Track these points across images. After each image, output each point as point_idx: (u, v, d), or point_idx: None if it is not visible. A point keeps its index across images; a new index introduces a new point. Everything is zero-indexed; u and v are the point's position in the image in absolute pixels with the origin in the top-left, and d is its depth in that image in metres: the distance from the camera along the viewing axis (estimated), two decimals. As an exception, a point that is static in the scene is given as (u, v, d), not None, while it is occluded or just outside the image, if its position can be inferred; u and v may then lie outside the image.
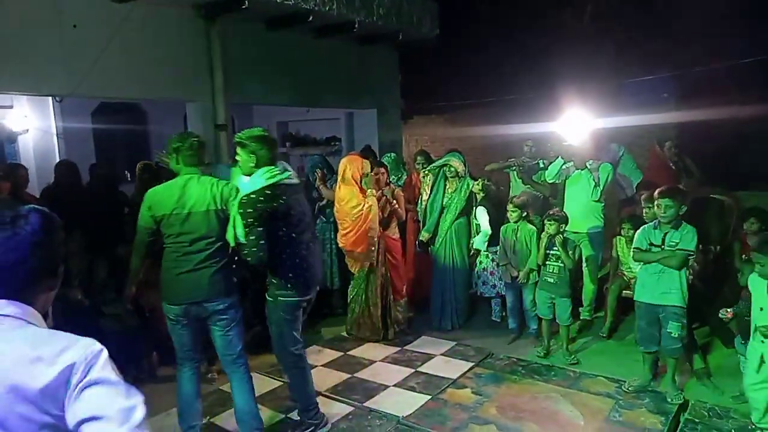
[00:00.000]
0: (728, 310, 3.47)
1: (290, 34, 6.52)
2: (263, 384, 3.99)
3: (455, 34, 9.05)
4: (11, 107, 7.06)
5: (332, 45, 7.15)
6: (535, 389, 3.95)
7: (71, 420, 1.06)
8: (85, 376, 1.07)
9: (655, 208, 3.64)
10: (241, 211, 2.86)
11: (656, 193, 3.65)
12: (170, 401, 3.33)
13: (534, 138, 6.35)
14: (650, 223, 3.77)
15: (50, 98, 6.88)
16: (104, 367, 1.10)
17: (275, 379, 4.12)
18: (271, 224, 2.96)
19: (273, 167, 3.00)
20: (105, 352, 1.12)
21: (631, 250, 3.88)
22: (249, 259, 2.90)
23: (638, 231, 3.82)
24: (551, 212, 4.55)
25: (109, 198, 5.27)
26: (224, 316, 3.06)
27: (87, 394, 1.07)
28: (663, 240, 3.61)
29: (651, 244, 3.68)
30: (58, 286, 1.25)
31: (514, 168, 6.10)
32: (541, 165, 5.81)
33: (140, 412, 1.10)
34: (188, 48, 5.62)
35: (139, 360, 4.20)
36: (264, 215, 2.89)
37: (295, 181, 3.20)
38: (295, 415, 3.53)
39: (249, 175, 3.03)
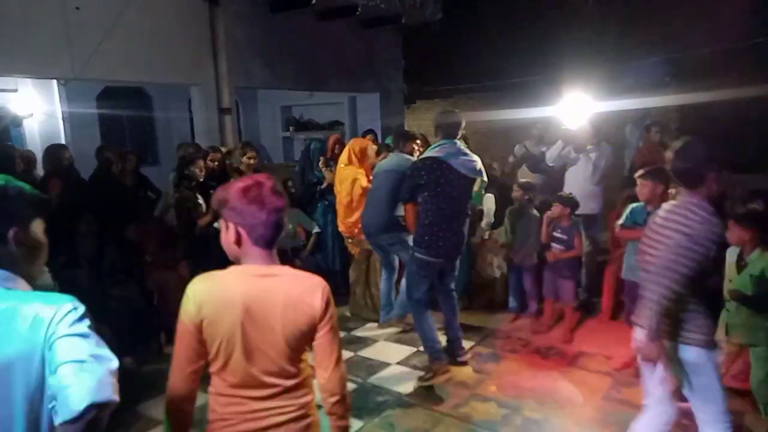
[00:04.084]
0: None
1: (294, 18, 6.54)
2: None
3: (458, 18, 9.02)
4: (16, 90, 7.09)
5: (336, 28, 7.15)
6: (535, 367, 4.03)
7: (50, 373, 1.17)
8: (56, 331, 1.18)
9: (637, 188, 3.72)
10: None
11: (636, 174, 3.72)
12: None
13: (542, 122, 6.36)
14: (641, 202, 3.83)
15: (54, 82, 6.92)
16: (76, 323, 1.20)
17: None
18: (420, 190, 3.59)
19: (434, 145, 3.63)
20: (79, 310, 1.23)
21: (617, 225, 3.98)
22: None
23: (627, 209, 3.91)
24: (561, 194, 4.58)
25: (115, 181, 5.32)
26: None
27: (59, 344, 1.17)
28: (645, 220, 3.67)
29: (635, 223, 3.75)
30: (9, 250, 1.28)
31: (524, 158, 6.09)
32: (544, 149, 5.83)
33: (113, 361, 1.19)
34: (192, 32, 5.65)
35: (147, 341, 4.29)
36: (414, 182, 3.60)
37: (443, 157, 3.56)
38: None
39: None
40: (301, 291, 1.59)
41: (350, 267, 5.21)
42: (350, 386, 3.78)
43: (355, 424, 3.32)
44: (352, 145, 4.90)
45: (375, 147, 4.94)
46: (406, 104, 9.77)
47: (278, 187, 1.63)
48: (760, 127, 7.26)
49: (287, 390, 1.61)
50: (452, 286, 3.90)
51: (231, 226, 1.59)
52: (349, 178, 4.73)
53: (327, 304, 1.61)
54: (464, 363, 3.86)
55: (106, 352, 1.20)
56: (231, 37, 5.88)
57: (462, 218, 3.69)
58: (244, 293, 1.56)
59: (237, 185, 1.60)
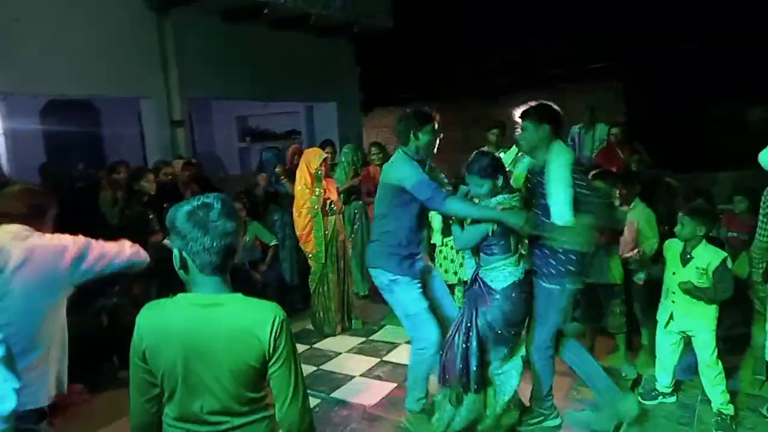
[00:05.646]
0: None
1: (247, 27, 6.46)
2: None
3: (412, 26, 9.10)
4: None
5: (290, 38, 7.10)
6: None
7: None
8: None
9: None
10: None
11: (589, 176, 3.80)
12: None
13: (498, 127, 6.41)
14: None
15: (-7, 96, 6.61)
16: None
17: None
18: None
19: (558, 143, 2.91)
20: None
21: None
22: None
23: None
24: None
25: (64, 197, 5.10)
26: None
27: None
28: None
29: None
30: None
31: None
32: (503, 155, 5.88)
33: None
34: (140, 42, 5.50)
35: (98, 365, 4.11)
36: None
37: None
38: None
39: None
40: (249, 323, 1.48)
41: (309, 280, 5.14)
42: (313, 402, 3.73)
43: (320, 440, 3.26)
44: (307, 161, 4.81)
45: (322, 156, 4.82)
46: (364, 112, 9.78)
47: (230, 208, 1.50)
48: (701, 129, 7.58)
49: (234, 428, 1.51)
50: None
51: (176, 251, 1.50)
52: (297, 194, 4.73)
53: (279, 336, 1.48)
54: None
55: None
56: (182, 47, 5.74)
57: None
58: (186, 325, 1.48)
59: (183, 207, 1.49)
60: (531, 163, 3.04)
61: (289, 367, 1.50)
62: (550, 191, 2.77)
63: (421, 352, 3.09)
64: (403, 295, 3.07)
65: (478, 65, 9.09)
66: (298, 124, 9.02)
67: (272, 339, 1.47)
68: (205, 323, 1.47)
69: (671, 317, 3.30)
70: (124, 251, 2.28)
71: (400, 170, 2.93)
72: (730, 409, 3.15)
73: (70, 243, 2.13)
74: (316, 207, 4.70)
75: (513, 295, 2.84)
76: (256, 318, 1.49)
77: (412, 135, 2.97)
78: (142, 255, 2.36)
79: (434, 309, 3.14)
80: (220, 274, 1.51)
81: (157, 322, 1.51)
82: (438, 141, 3.08)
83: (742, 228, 3.89)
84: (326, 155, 4.89)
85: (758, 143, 2.96)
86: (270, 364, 1.49)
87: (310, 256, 4.82)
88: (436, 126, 3.02)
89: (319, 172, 4.70)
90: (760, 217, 3.10)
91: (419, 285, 3.10)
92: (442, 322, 3.13)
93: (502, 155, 5.80)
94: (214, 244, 1.45)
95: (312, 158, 4.78)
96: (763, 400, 3.38)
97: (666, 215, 4.24)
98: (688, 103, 7.05)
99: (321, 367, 4.30)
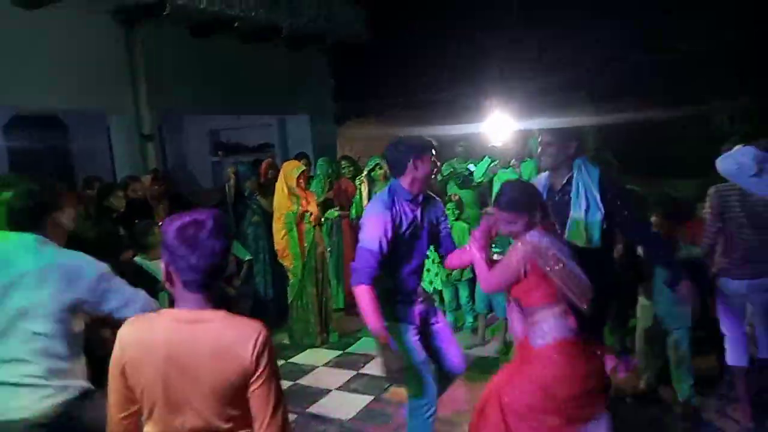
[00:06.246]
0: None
1: (218, 40, 6.43)
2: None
3: (387, 36, 9.17)
4: None
5: (261, 50, 7.10)
6: (472, 382, 4.06)
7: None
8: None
9: None
10: None
11: None
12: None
13: (467, 138, 6.48)
14: None
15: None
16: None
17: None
18: None
19: None
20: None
21: None
22: None
23: None
24: (487, 210, 4.69)
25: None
26: None
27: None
28: None
29: None
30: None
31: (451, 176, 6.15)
32: (471, 169, 5.93)
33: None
34: (108, 57, 5.44)
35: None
36: None
37: None
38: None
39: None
40: (231, 340, 1.46)
41: (287, 293, 5.12)
42: (290, 418, 3.69)
43: (296, 456, 3.24)
44: (285, 174, 4.84)
45: (300, 169, 4.85)
46: (338, 123, 9.80)
47: (222, 227, 1.49)
48: (671, 134, 7.79)
49: None
50: None
51: (163, 265, 1.49)
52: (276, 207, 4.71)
53: (261, 354, 1.45)
54: None
55: None
56: (151, 62, 5.69)
57: None
58: (168, 340, 1.46)
59: (175, 222, 1.48)
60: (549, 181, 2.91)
61: (269, 385, 1.48)
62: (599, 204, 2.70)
63: (419, 412, 2.67)
64: (398, 344, 2.62)
65: (451, 77, 9.20)
66: (272, 137, 8.99)
67: (254, 357, 1.45)
68: (188, 339, 1.46)
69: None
70: (137, 302, 2.03)
71: (366, 225, 2.61)
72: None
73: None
74: (291, 222, 4.70)
75: None
76: (238, 335, 1.47)
77: (411, 165, 2.59)
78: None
79: (438, 359, 2.80)
80: (205, 291, 1.50)
81: (140, 336, 1.49)
82: (435, 173, 2.77)
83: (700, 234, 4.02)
84: (304, 168, 4.91)
85: (718, 150, 3.06)
86: (251, 381, 1.47)
87: (288, 269, 4.81)
88: (435, 155, 2.67)
89: (294, 188, 4.71)
90: (704, 216, 3.25)
91: (417, 332, 2.70)
92: (445, 372, 2.81)
93: (472, 167, 5.91)
94: (201, 262, 1.44)
95: (290, 171, 4.80)
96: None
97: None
98: (650, 110, 7.25)
99: (298, 381, 4.27)
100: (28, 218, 1.98)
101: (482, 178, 5.46)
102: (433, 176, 2.72)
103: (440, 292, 5.25)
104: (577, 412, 2.22)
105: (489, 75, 8.22)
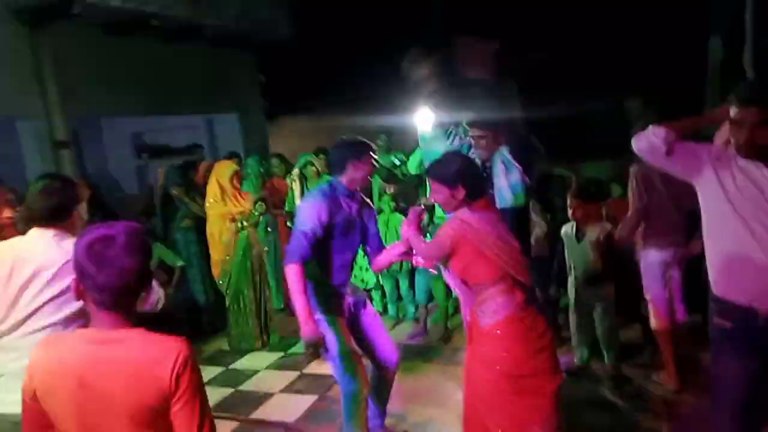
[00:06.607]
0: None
1: (136, 40, 6.12)
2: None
3: (315, 32, 9.05)
4: None
5: (183, 49, 6.83)
6: (416, 371, 4.12)
7: None
8: None
9: None
10: None
11: None
12: None
13: (388, 132, 6.50)
14: None
15: None
16: None
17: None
18: None
19: None
20: None
21: None
22: None
23: None
24: (423, 202, 4.74)
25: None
26: None
27: None
28: None
29: None
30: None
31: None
32: (396, 161, 5.94)
33: None
34: (11, 59, 5.05)
35: None
36: None
37: None
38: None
39: None
40: (148, 360, 1.37)
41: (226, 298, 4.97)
42: (232, 426, 3.61)
43: (241, 463, 3.16)
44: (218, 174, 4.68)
45: (233, 169, 4.74)
46: (270, 121, 9.59)
47: (137, 242, 1.38)
48: (595, 118, 8.14)
49: None
50: None
51: (74, 282, 1.39)
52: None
53: (181, 374, 1.36)
54: None
55: None
56: (61, 64, 5.34)
57: None
58: (79, 363, 1.37)
59: (85, 237, 1.37)
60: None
61: (192, 407, 1.39)
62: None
63: (350, 400, 2.81)
64: (327, 336, 2.76)
65: (380, 70, 9.19)
66: (200, 137, 8.68)
67: (174, 377, 1.36)
68: (101, 361, 1.36)
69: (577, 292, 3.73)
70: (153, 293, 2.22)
71: (300, 209, 2.76)
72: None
73: None
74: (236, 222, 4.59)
75: None
76: (156, 355, 1.38)
77: (350, 165, 2.73)
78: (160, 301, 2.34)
79: (370, 351, 2.94)
80: (118, 310, 1.40)
81: (50, 360, 1.39)
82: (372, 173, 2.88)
83: (618, 211, 4.25)
84: (237, 167, 4.79)
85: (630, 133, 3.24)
86: (172, 402, 1.38)
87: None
88: (374, 158, 2.83)
89: (228, 188, 4.59)
90: (629, 193, 3.47)
91: (346, 323, 2.84)
92: (379, 364, 2.96)
93: (395, 160, 5.93)
94: (109, 282, 1.35)
95: (223, 171, 4.67)
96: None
97: (561, 205, 4.50)
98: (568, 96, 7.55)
99: (239, 388, 4.16)
100: (52, 215, 2.09)
101: (418, 170, 5.49)
102: (371, 176, 2.85)
103: (382, 287, 5.28)
104: (535, 384, 2.26)
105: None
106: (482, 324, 2.30)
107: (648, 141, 2.17)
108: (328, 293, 2.80)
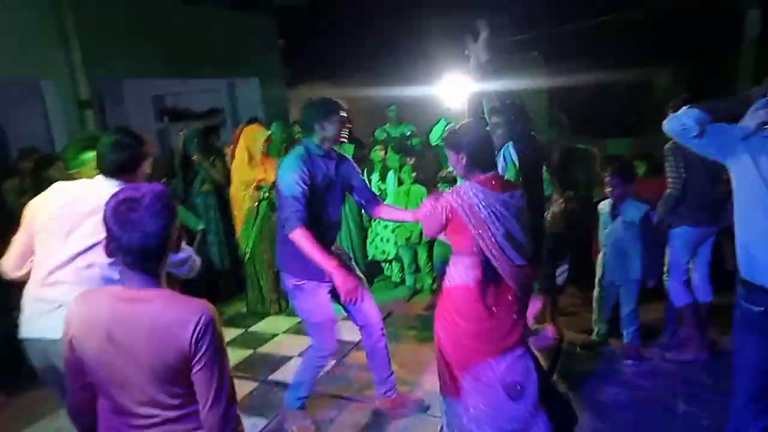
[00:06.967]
0: None
1: (158, 3, 6.07)
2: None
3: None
4: None
5: (204, 11, 6.76)
6: (432, 342, 4.15)
7: None
8: None
9: None
10: None
11: None
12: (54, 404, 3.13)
13: (403, 102, 6.39)
14: None
15: None
16: None
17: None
18: None
19: None
20: None
21: None
22: None
23: None
24: (443, 174, 4.70)
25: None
26: None
27: None
28: None
29: None
30: None
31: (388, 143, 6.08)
32: (407, 132, 5.86)
33: None
34: (35, 19, 5.04)
35: (15, 367, 3.86)
36: None
37: None
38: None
39: None
40: (171, 321, 1.40)
41: (243, 263, 5.04)
42: (251, 385, 3.70)
43: (260, 422, 3.26)
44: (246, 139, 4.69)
45: (266, 134, 4.74)
46: (290, 87, 9.51)
47: (162, 204, 1.40)
48: (617, 97, 7.96)
49: (168, 421, 1.46)
50: None
51: (105, 241, 1.43)
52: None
53: (201, 337, 1.39)
54: None
55: None
56: (84, 23, 5.32)
57: None
58: (107, 318, 1.43)
59: (114, 197, 1.41)
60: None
61: (211, 369, 1.42)
62: None
63: (317, 357, 3.06)
64: (308, 302, 2.92)
65: (400, 39, 9.02)
66: (221, 101, 8.66)
67: (194, 340, 1.39)
68: (127, 318, 1.42)
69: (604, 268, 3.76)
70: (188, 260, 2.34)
71: (283, 176, 2.74)
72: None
73: None
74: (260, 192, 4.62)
75: None
76: (179, 317, 1.41)
77: (318, 125, 2.78)
78: (195, 265, 2.39)
79: (352, 314, 3.08)
80: (146, 271, 1.44)
81: (83, 313, 1.47)
82: (346, 130, 2.89)
83: (644, 190, 4.19)
84: (269, 133, 4.78)
85: (658, 112, 3.17)
86: (193, 363, 1.42)
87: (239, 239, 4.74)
88: (343, 115, 2.84)
89: (258, 155, 4.60)
90: (667, 170, 3.40)
91: (329, 286, 2.87)
92: (361, 324, 3.10)
93: (406, 131, 5.84)
94: (133, 243, 1.38)
95: (255, 137, 4.64)
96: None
97: (585, 182, 4.44)
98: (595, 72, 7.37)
99: (257, 350, 4.25)
100: (120, 168, 2.18)
101: (439, 141, 5.45)
102: (342, 135, 2.85)
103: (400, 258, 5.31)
104: (486, 345, 2.45)
105: (435, 36, 8.08)
106: (446, 282, 2.55)
107: (680, 122, 2.12)
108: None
